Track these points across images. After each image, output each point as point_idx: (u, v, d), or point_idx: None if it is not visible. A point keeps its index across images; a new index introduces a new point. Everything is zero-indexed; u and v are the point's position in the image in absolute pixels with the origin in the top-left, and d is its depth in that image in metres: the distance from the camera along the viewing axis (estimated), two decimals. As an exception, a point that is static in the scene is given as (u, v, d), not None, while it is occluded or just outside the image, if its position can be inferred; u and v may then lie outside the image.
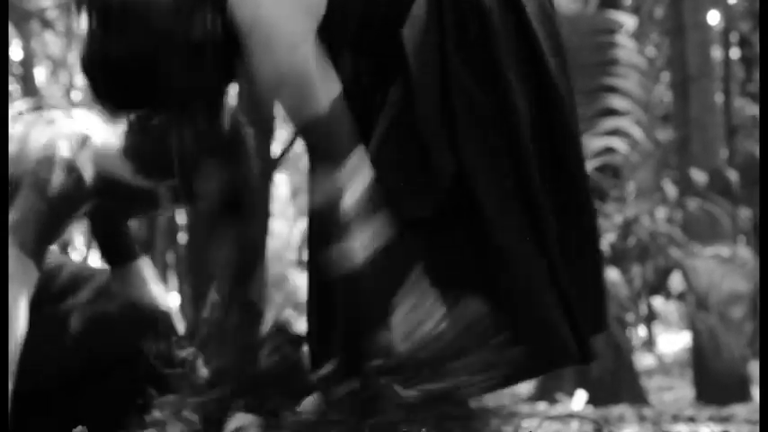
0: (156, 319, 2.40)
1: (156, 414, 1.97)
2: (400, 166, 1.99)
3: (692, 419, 4.14)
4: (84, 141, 2.26)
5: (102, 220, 2.50)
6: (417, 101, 1.98)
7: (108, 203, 2.36)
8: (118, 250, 2.53)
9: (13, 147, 2.22)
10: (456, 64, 2.01)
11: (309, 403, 1.93)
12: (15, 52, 13.18)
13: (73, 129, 2.27)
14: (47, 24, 13.82)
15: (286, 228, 17.02)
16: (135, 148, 2.23)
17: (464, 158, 1.98)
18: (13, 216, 2.11)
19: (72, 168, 2.19)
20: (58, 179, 2.15)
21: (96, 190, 2.26)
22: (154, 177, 2.26)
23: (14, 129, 2.27)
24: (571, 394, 6.09)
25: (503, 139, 2.00)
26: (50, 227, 2.18)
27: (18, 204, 2.12)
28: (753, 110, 13.00)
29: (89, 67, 1.97)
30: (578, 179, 2.10)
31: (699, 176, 7.67)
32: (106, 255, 2.54)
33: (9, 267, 2.06)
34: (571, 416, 4.09)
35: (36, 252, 2.14)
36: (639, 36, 10.32)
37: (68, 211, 2.22)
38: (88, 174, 2.23)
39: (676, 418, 4.24)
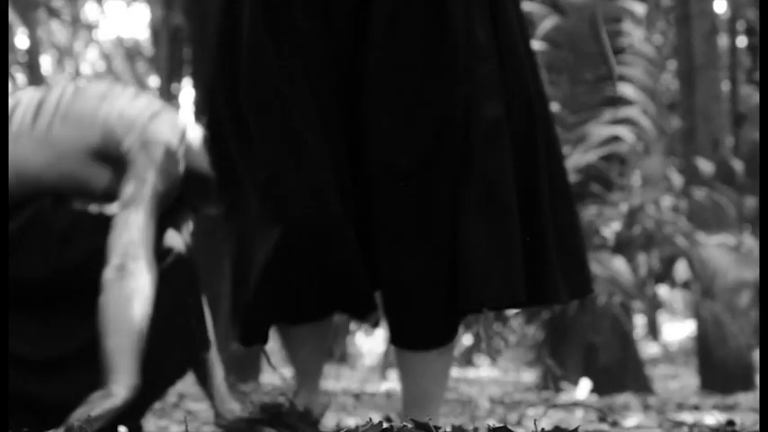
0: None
1: None
2: None
3: (696, 408, 4.14)
4: (184, 137, 2.40)
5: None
6: None
7: (185, 193, 2.42)
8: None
9: (140, 123, 2.33)
10: None
11: None
12: (21, 41, 13.19)
13: (179, 123, 2.40)
14: (53, 13, 13.83)
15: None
16: None
17: None
18: (134, 187, 2.25)
19: (178, 163, 2.34)
20: (173, 170, 2.33)
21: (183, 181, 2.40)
22: None
23: (150, 107, 2.38)
24: (575, 383, 6.09)
25: None
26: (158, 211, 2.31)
27: (142, 178, 2.27)
28: (759, 98, 12.95)
29: None
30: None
31: (704, 166, 7.65)
32: None
33: (138, 230, 2.22)
34: (576, 404, 4.09)
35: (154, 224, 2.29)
36: (646, 24, 10.30)
37: (168, 199, 2.35)
38: (182, 168, 2.38)
39: (681, 407, 4.24)
